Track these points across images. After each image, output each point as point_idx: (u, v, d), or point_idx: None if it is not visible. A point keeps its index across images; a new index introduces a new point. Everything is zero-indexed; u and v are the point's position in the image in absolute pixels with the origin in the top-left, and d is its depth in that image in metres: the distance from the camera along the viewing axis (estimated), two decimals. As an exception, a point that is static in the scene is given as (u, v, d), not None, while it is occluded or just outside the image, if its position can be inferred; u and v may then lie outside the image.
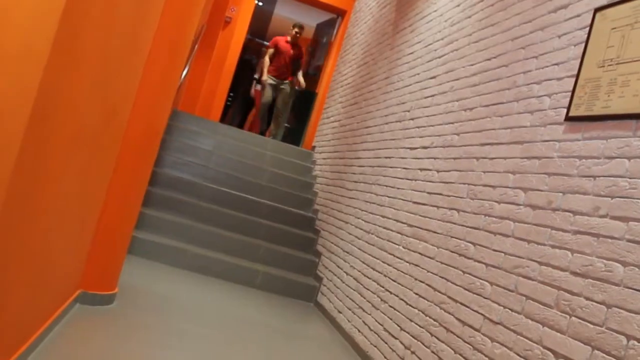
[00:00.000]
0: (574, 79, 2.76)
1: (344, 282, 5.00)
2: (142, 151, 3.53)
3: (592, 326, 2.22)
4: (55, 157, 1.93)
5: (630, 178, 2.27)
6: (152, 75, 3.45)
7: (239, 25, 9.75)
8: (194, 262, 5.39)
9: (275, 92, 9.10)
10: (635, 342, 2.01)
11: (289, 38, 9.14)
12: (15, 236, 1.75)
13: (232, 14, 9.53)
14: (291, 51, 9.10)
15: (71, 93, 1.87)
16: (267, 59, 9.08)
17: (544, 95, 2.97)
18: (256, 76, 10.37)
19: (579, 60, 2.76)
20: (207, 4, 7.66)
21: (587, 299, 2.29)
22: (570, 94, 2.75)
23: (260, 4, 11.40)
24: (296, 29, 9.12)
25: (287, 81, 9.15)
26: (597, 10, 2.73)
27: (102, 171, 3.02)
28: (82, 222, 2.87)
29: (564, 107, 2.78)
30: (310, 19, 11.62)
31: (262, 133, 9.40)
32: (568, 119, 2.70)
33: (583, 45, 2.78)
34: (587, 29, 2.79)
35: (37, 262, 2.16)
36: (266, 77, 8.93)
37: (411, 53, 5.14)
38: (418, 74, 4.80)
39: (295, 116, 9.79)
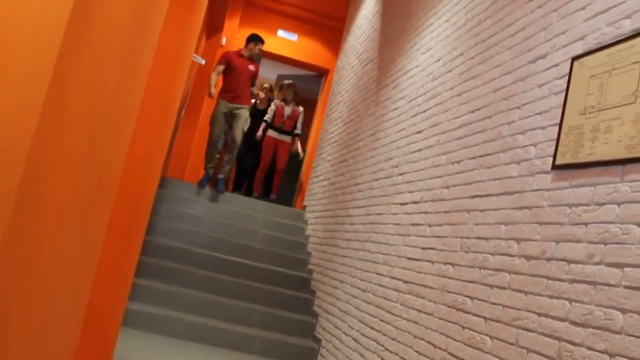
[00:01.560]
0: (557, 128, 2.78)
1: (343, 343, 4.93)
2: (133, 220, 3.51)
3: (596, 377, 2.18)
4: (45, 231, 1.91)
5: (621, 224, 2.26)
6: (140, 144, 3.46)
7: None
8: (190, 331, 5.31)
9: (229, 120, 7.62)
10: (642, 391, 1.97)
11: (245, 52, 7.82)
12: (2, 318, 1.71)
13: (199, 59, 9.63)
14: (249, 68, 7.76)
15: (61, 163, 1.86)
16: (213, 76, 7.62)
17: (530, 145, 2.99)
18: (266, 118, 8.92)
19: (561, 108, 2.79)
20: (192, 70, 7.75)
21: (589, 348, 2.26)
22: (555, 142, 2.77)
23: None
24: (259, 46, 7.92)
25: (244, 106, 7.65)
26: (575, 59, 2.77)
27: (92, 244, 2.99)
28: (73, 298, 2.82)
29: (550, 156, 2.79)
30: (296, 80, 11.76)
31: (207, 180, 7.71)
32: (555, 167, 2.71)
33: (564, 93, 2.81)
34: (566, 77, 2.82)
35: (27, 342, 2.11)
36: (213, 91, 7.59)
37: (396, 109, 5.19)
38: (404, 129, 4.84)
39: (286, 176, 9.71)
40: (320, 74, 10.21)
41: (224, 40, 9.63)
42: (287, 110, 8.75)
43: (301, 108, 8.86)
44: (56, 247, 2.17)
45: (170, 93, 3.57)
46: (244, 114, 7.64)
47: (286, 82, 9.03)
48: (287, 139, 8.74)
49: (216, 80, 7.67)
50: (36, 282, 1.99)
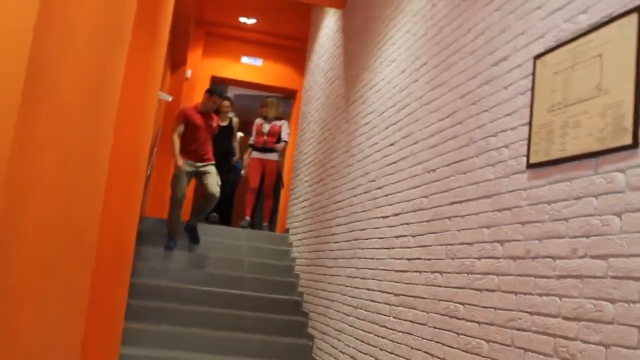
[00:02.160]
0: (527, 127, 2.82)
1: (341, 362, 4.91)
2: (117, 266, 3.48)
3: (594, 369, 2.20)
4: (26, 290, 1.89)
5: (600, 215, 2.29)
6: (115, 188, 3.44)
7: (194, 122, 9.84)
8: (187, 369, 5.27)
9: (199, 178, 6.94)
10: (640, 379, 1.99)
11: (201, 107, 7.09)
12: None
13: (165, 97, 9.62)
14: (210, 124, 7.10)
15: (34, 220, 1.85)
16: (176, 140, 6.82)
17: (502, 147, 3.02)
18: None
19: (529, 108, 2.82)
20: (159, 108, 7.74)
21: (584, 342, 2.27)
22: (527, 141, 2.80)
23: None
24: (213, 99, 7.13)
25: (210, 163, 7.00)
26: (536, 57, 2.81)
27: (78, 296, 2.97)
28: (64, 353, 2.79)
29: (523, 156, 2.82)
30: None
31: (175, 242, 6.94)
32: (529, 166, 2.74)
33: (530, 93, 2.85)
34: (531, 76, 2.86)
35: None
36: (181, 162, 6.72)
37: (367, 123, 5.22)
38: (377, 142, 4.86)
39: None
40: (288, 96, 10.24)
41: (189, 73, 9.64)
42: (266, 127, 8.50)
43: (281, 121, 8.56)
44: (40, 304, 2.14)
45: (140, 134, 3.57)
46: (213, 169, 6.96)
47: (269, 98, 8.76)
48: (273, 157, 8.42)
49: (180, 145, 6.88)
50: (20, 346, 1.97)
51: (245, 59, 10.15)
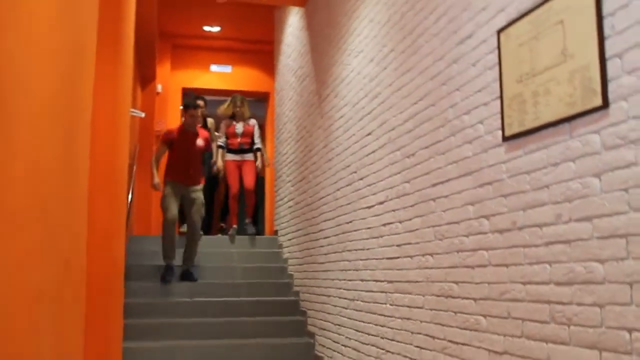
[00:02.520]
0: (499, 101, 2.84)
1: (344, 356, 4.93)
2: (109, 290, 3.47)
3: (592, 330, 2.23)
4: (17, 328, 1.88)
5: (580, 178, 2.32)
6: (98, 213, 3.43)
7: (170, 136, 9.81)
8: (192, 381, 5.26)
9: (185, 203, 6.75)
10: (638, 334, 2.02)
11: (186, 125, 6.75)
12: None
13: (161, 126, 9.60)
14: (198, 143, 6.81)
15: (15, 253, 1.84)
16: (153, 161, 6.81)
17: (477, 123, 3.04)
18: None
19: (498, 82, 2.85)
20: (134, 124, 7.71)
21: (578, 304, 2.30)
22: (500, 115, 2.82)
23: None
24: (190, 112, 6.73)
25: (199, 187, 6.81)
26: (500, 31, 2.83)
27: (74, 326, 2.95)
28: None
29: (498, 129, 2.85)
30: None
31: (172, 273, 6.67)
32: (505, 139, 2.76)
33: (497, 67, 2.87)
34: (496, 51, 2.88)
35: None
36: (157, 180, 6.66)
37: (342, 116, 5.23)
38: (354, 134, 4.88)
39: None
40: (261, 99, 10.24)
41: (159, 88, 9.61)
42: (239, 127, 8.15)
43: (253, 121, 8.21)
44: (34, 338, 2.14)
45: (116, 154, 3.56)
46: (200, 197, 6.78)
47: (239, 96, 8.29)
48: (250, 157, 8.07)
49: (158, 167, 6.77)
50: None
51: (214, 67, 10.14)
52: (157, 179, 6.65)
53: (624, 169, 2.11)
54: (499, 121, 2.83)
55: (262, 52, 9.91)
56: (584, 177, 2.30)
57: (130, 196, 6.52)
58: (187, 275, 6.75)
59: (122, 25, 3.66)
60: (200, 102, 7.64)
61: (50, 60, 1.89)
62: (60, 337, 2.58)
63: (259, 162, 8.14)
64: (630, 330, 2.05)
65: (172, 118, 9.66)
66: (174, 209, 6.55)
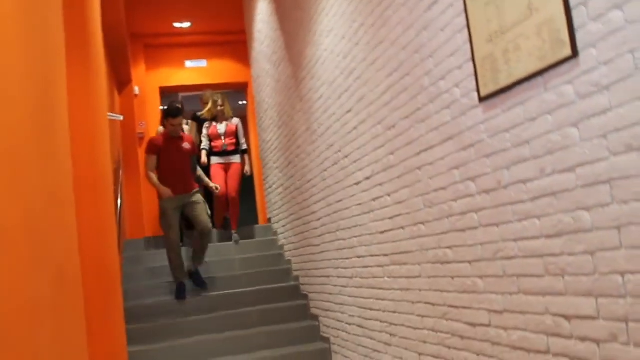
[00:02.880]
0: (471, 62, 2.84)
1: (350, 333, 4.96)
2: (107, 296, 3.47)
3: (585, 278, 2.25)
4: (14, 346, 1.89)
5: (558, 130, 2.33)
6: (87, 222, 3.42)
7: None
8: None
9: (187, 211, 6.42)
10: (630, 276, 2.04)
11: (170, 132, 6.46)
12: None
13: (143, 128, 9.58)
14: (184, 147, 6.50)
15: (5, 269, 1.84)
16: (152, 175, 6.35)
17: (453, 87, 3.05)
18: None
19: (469, 44, 2.85)
20: (115, 129, 7.68)
21: (570, 254, 2.32)
22: (474, 77, 2.83)
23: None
24: (171, 121, 6.40)
25: (194, 191, 6.47)
26: (465, -7, 2.83)
27: (74, 338, 2.96)
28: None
29: (474, 91, 2.85)
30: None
31: (184, 289, 6.41)
32: (482, 100, 2.77)
33: (466, 29, 2.87)
34: (463, 13, 2.88)
35: None
36: (164, 190, 6.25)
37: (320, 97, 5.23)
38: (334, 113, 4.87)
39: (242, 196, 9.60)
40: (240, 89, 10.21)
41: (136, 90, 9.57)
42: (221, 128, 7.73)
43: (236, 120, 7.84)
44: (33, 353, 2.14)
45: (98, 159, 3.54)
46: (200, 198, 6.46)
47: (219, 95, 7.85)
48: (236, 159, 7.73)
49: (157, 176, 6.41)
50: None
51: (189, 63, 10.10)
52: (163, 187, 6.24)
53: (600, 116, 2.12)
54: (474, 83, 2.84)
55: (235, 43, 9.87)
56: (563, 128, 2.31)
57: (119, 201, 6.50)
58: (198, 281, 6.55)
59: (88, 29, 3.63)
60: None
61: (23, 67, 1.88)
62: (62, 344, 2.58)
63: (247, 168, 7.97)
64: (622, 274, 2.07)
65: (152, 119, 9.63)
66: (176, 227, 6.28)
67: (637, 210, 1.98)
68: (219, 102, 7.77)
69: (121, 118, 7.03)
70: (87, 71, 3.55)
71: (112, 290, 3.49)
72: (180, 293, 6.34)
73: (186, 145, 6.49)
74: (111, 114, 5.72)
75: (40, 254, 2.33)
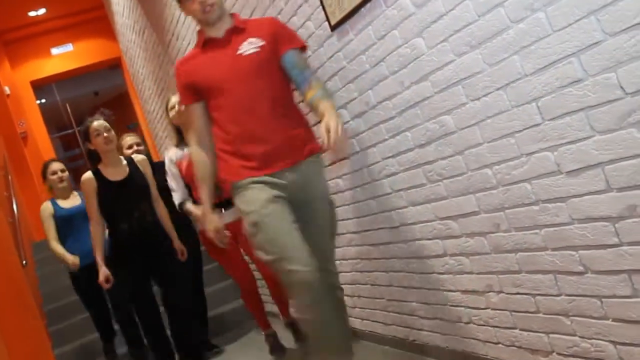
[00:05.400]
0: (316, -6, 2.86)
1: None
2: (15, 302, 3.39)
3: (461, 177, 2.34)
4: None
5: (407, 43, 2.38)
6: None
7: (38, 132, 9.43)
8: None
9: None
10: (496, 167, 2.13)
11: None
12: None
13: (24, 127, 9.20)
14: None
15: None
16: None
17: (306, 22, 3.06)
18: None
19: (309, -25, 2.85)
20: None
21: (443, 159, 2.41)
22: (321, 7, 2.84)
23: (44, 100, 10.93)
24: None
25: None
26: None
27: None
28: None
29: (325, 21, 2.87)
30: (96, 85, 11.34)
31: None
32: (333, 28, 2.80)
33: (303, -39, 2.87)
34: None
35: None
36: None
37: (190, 57, 5.13)
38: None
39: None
40: (113, 66, 9.93)
41: (7, 90, 9.14)
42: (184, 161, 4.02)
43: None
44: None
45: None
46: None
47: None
48: None
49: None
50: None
51: (55, 50, 9.72)
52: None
53: (438, 22, 2.18)
54: (323, 14, 2.85)
55: (97, 20, 9.52)
56: (409, 40, 2.36)
57: (14, 205, 6.31)
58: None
59: None
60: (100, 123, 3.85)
61: None
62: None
63: None
64: (489, 166, 2.17)
65: (31, 116, 9.26)
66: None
67: (490, 104, 2.07)
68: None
69: None
70: None
71: (18, 293, 3.41)
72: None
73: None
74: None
75: None
